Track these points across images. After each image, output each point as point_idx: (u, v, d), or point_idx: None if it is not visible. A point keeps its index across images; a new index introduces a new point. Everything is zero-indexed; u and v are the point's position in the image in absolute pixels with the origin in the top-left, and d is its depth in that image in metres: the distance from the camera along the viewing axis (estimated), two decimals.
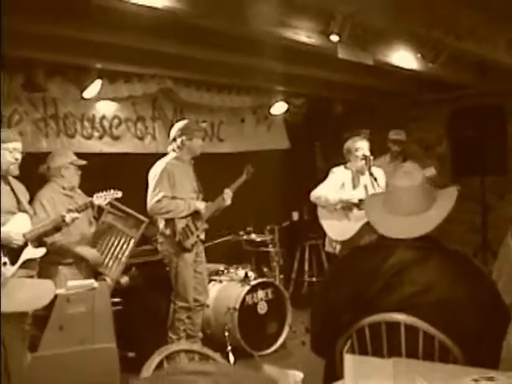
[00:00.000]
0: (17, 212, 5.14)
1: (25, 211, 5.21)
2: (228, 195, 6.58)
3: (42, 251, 5.24)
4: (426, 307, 2.67)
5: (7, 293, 1.65)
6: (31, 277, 5.12)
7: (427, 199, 2.89)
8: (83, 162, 5.87)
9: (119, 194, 5.72)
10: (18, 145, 5.17)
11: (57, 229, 5.41)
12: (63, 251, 5.63)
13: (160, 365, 2.66)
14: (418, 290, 2.71)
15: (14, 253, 5.01)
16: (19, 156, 5.16)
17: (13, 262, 4.98)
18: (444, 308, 2.66)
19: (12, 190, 5.19)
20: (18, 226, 5.07)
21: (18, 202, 5.20)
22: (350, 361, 2.23)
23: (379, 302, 2.77)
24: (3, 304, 1.63)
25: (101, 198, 5.60)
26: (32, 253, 5.14)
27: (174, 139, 6.37)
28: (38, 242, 5.24)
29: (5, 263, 4.92)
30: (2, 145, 5.05)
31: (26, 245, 5.08)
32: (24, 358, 1.73)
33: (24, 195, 5.34)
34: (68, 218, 5.32)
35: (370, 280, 2.84)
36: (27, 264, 5.09)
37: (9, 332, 1.64)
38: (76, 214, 5.40)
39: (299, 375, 2.32)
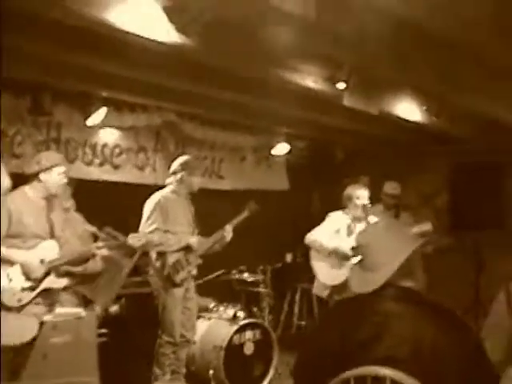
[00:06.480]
0: (47, 238, 5.13)
1: (55, 238, 5.21)
2: (228, 232, 6.56)
3: (63, 282, 5.21)
4: (405, 360, 2.66)
5: None
6: (51, 305, 5.05)
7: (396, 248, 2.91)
8: None
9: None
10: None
11: (84, 261, 5.42)
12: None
13: None
14: (396, 343, 2.70)
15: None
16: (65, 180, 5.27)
17: (34, 288, 4.95)
18: (425, 361, 2.64)
19: (48, 216, 5.20)
20: (45, 253, 5.05)
21: (52, 229, 5.20)
22: None
23: (362, 354, 2.76)
24: None
25: (135, 239, 5.57)
26: (53, 282, 5.09)
27: (174, 173, 6.39)
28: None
29: (24, 289, 4.90)
30: (55, 168, 5.15)
31: (48, 273, 5.06)
32: None
33: (60, 223, 5.35)
34: (99, 254, 5.32)
35: (354, 331, 2.84)
36: (46, 293, 5.03)
37: None
38: (106, 251, 5.39)
39: None
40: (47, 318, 4.50)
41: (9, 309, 4.55)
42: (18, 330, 1.50)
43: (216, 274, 7.74)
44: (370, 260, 2.95)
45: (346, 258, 6.47)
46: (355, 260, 6.28)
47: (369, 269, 2.94)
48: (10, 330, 1.55)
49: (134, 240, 5.54)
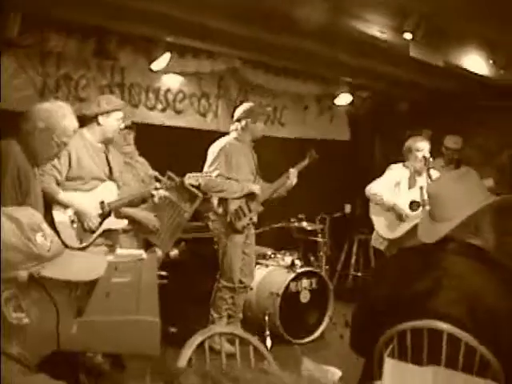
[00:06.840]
0: (106, 180, 5.21)
1: (114, 180, 5.29)
2: (294, 175, 6.54)
3: (122, 223, 5.31)
4: (466, 315, 2.65)
5: (61, 262, 1.71)
6: (111, 246, 5.18)
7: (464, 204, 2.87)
8: None
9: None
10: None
11: (143, 201, 5.51)
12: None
13: (201, 344, 2.70)
14: (459, 298, 2.69)
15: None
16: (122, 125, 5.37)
17: (94, 230, 5.05)
18: (486, 319, 2.63)
19: (107, 158, 5.28)
20: (104, 195, 5.15)
21: (111, 171, 5.28)
22: (390, 365, 2.22)
23: (419, 306, 2.76)
24: (57, 272, 1.70)
25: (192, 179, 5.62)
26: (112, 223, 5.20)
27: (238, 120, 6.37)
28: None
29: (85, 230, 5.00)
30: (114, 113, 5.22)
31: (109, 214, 5.16)
32: (71, 324, 1.79)
33: (119, 165, 5.44)
34: (157, 195, 5.40)
35: (411, 282, 2.83)
36: (107, 234, 5.16)
37: (59, 299, 1.71)
38: (165, 192, 5.47)
39: (338, 373, 2.32)
40: (109, 258, 4.57)
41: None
42: (87, 267, 1.55)
43: (275, 225, 7.75)
44: (438, 210, 2.92)
45: (402, 216, 6.44)
46: (414, 215, 6.28)
47: (436, 219, 2.91)
48: (78, 267, 1.62)
49: (191, 180, 5.58)
